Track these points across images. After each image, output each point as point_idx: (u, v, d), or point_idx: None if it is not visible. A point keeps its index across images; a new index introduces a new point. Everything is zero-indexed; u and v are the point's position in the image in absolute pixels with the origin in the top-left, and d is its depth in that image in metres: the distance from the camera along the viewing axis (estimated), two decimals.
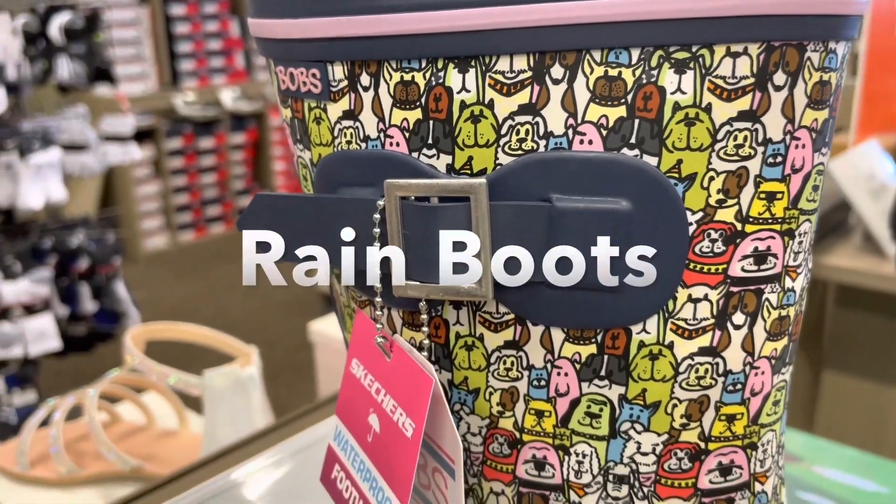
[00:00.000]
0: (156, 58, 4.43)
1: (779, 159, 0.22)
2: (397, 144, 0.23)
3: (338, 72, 0.23)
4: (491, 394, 0.24)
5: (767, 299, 0.23)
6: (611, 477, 0.24)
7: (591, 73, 0.21)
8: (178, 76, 4.53)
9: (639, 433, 0.24)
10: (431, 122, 0.22)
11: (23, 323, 2.13)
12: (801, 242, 0.24)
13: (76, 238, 2.37)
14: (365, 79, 0.23)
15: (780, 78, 0.21)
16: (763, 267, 0.23)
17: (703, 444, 0.24)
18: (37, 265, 2.27)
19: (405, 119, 0.23)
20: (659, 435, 0.24)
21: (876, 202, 1.03)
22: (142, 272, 3.78)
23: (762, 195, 0.22)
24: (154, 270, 3.88)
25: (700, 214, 0.22)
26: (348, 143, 0.24)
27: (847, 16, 0.22)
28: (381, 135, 0.23)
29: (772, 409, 0.25)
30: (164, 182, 4.25)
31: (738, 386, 0.24)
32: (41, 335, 2.13)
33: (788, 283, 0.24)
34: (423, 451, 0.25)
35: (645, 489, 0.24)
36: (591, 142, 0.22)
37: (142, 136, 4.19)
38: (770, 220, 0.23)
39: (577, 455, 0.24)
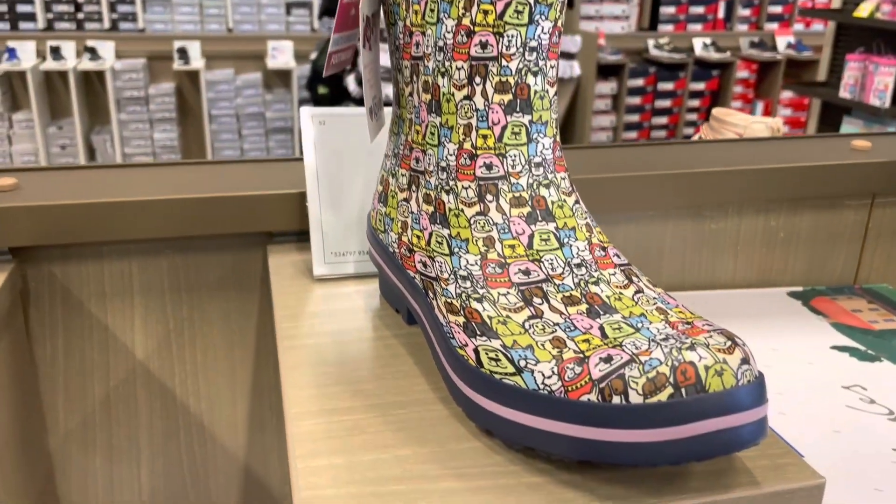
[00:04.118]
0: (640, 1, 4.75)
1: None
2: None
3: None
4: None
5: (490, 70, 0.41)
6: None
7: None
8: (657, 20, 4.79)
9: (445, 144, 0.44)
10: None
11: None
12: (509, 40, 0.41)
13: None
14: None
15: None
16: (486, 51, 0.41)
17: (474, 151, 0.43)
18: None
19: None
20: (454, 144, 0.43)
21: None
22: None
23: (480, 12, 0.41)
24: None
25: (455, 21, 0.41)
26: None
27: None
28: None
29: (511, 136, 0.42)
30: (619, 117, 4.61)
31: (483, 118, 0.42)
32: None
33: (504, 62, 0.41)
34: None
35: (452, 175, 0.44)
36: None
37: (608, 71, 4.60)
38: (487, 26, 0.41)
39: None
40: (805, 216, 0.81)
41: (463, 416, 0.43)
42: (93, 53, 4.05)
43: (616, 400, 0.34)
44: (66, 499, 0.72)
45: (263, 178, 0.68)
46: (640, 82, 4.62)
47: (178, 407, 0.72)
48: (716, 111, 1.05)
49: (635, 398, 0.34)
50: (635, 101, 4.65)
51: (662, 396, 0.33)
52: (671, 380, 0.33)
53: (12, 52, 3.96)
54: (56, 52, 4.02)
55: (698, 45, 4.71)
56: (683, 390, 0.33)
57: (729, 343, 0.34)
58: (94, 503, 0.73)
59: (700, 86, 4.71)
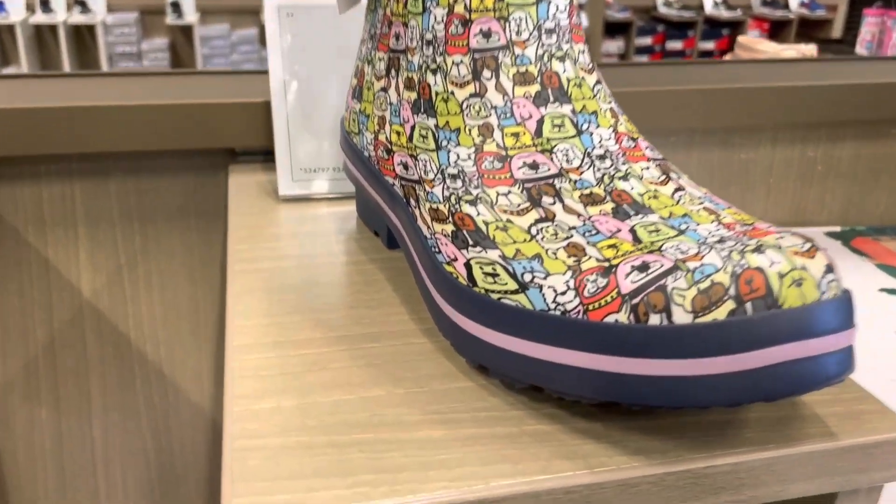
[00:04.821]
0: None
1: None
2: None
3: None
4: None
5: None
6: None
7: None
8: None
9: (431, 10, 0.34)
10: None
11: None
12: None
13: None
14: None
15: None
16: None
17: (468, 14, 0.33)
18: None
19: None
20: (443, 8, 0.34)
21: None
22: None
23: None
24: None
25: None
26: None
27: None
28: None
29: None
30: None
31: None
32: None
33: None
34: None
35: (440, 48, 0.34)
36: None
37: (615, 29, 4.45)
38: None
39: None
40: (846, 146, 0.72)
41: (451, 351, 0.34)
42: (83, 6, 3.92)
43: (654, 320, 0.25)
44: (11, 456, 0.64)
45: (227, 89, 0.58)
46: (647, 41, 4.48)
47: (133, 353, 0.63)
48: (742, 39, 0.96)
49: (682, 317, 0.25)
50: (642, 60, 4.51)
51: (720, 314, 0.24)
52: (732, 291, 0.24)
53: (1, 6, 3.83)
54: (45, 5, 3.89)
55: (708, 2, 4.56)
56: (749, 305, 0.24)
57: (808, 245, 0.25)
58: (41, 460, 0.65)
59: (710, 45, 4.56)
